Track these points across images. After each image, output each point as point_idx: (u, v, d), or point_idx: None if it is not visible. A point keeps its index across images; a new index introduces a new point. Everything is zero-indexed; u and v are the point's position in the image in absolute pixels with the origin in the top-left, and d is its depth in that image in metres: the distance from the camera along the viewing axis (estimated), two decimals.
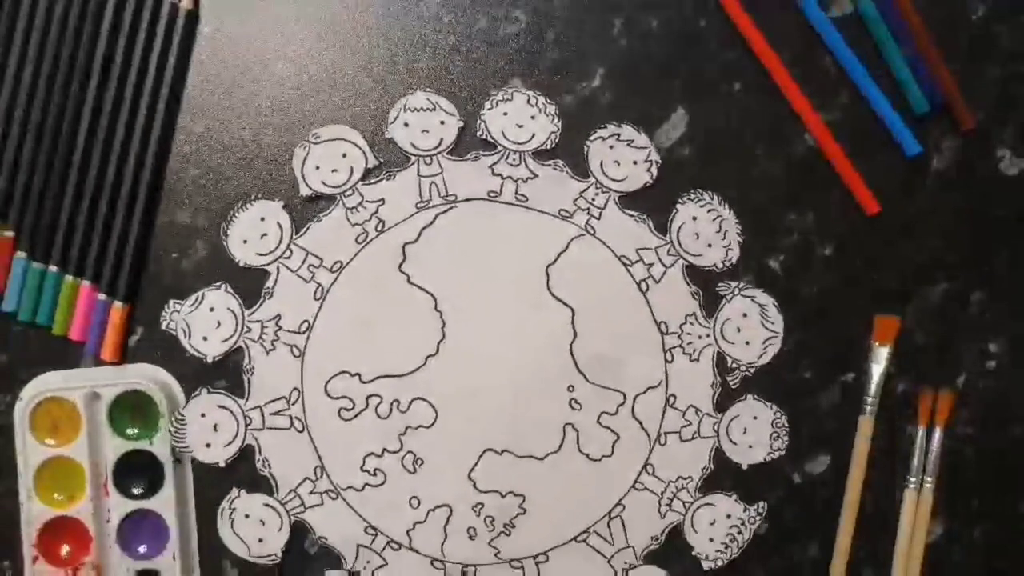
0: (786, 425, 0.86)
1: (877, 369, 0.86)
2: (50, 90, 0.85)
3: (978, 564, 0.87)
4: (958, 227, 0.86)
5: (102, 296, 0.85)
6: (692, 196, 0.86)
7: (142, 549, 0.85)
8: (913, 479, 0.85)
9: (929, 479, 0.85)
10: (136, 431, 0.85)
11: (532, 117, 0.86)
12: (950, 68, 0.85)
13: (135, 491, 0.85)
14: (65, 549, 0.85)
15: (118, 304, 0.85)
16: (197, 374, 0.86)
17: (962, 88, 0.85)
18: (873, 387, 0.86)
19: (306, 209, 0.87)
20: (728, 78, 0.87)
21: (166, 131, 0.86)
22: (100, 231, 0.85)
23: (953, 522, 0.86)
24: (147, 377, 0.85)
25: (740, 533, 0.86)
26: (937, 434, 0.85)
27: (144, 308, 0.86)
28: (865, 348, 0.86)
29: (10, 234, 0.86)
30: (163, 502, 0.84)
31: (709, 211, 0.86)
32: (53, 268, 0.86)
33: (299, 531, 0.86)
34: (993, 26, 0.86)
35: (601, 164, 0.86)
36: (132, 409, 0.85)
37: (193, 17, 0.86)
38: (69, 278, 0.85)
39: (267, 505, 0.86)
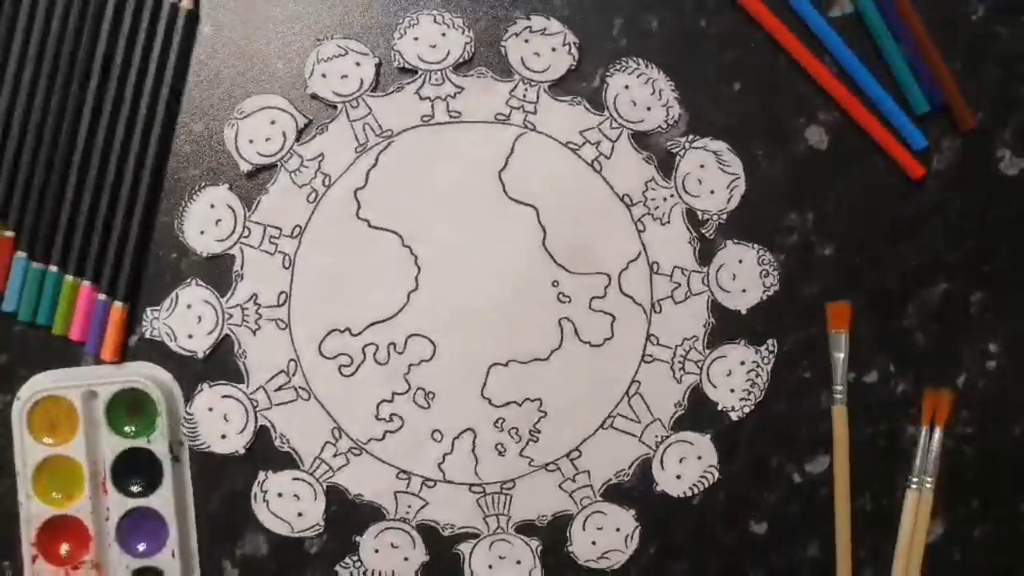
0: (772, 260, 0.86)
1: (839, 356, 0.86)
2: (50, 90, 0.85)
3: (978, 564, 0.86)
4: (958, 227, 0.86)
5: (102, 296, 0.85)
6: (619, 66, 0.86)
7: (141, 547, 0.85)
8: (913, 479, 0.85)
9: (929, 479, 0.85)
10: (134, 429, 0.85)
11: (443, 34, 0.86)
12: (950, 68, 0.85)
13: (134, 489, 0.85)
14: (64, 548, 0.85)
15: (118, 304, 0.85)
16: (196, 373, 0.86)
17: (962, 88, 0.85)
18: (839, 376, 0.86)
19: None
20: (728, 78, 0.86)
21: (166, 131, 0.86)
22: (100, 231, 0.85)
23: (953, 522, 0.86)
24: (144, 375, 0.85)
25: (758, 376, 0.86)
26: (937, 434, 0.85)
27: (144, 308, 0.87)
28: (861, 348, 0.86)
29: (10, 234, 0.86)
30: (162, 500, 0.84)
31: (639, 76, 0.86)
32: (53, 268, 0.86)
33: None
34: (993, 26, 0.86)
35: (522, 59, 0.87)
36: (129, 407, 0.85)
37: (193, 17, 0.86)
38: (69, 278, 0.86)
39: (297, 479, 0.86)
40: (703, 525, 0.87)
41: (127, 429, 0.85)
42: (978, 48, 0.86)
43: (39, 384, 0.85)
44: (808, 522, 0.86)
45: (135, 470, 0.85)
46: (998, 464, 0.86)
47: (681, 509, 0.87)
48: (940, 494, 0.85)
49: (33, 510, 0.84)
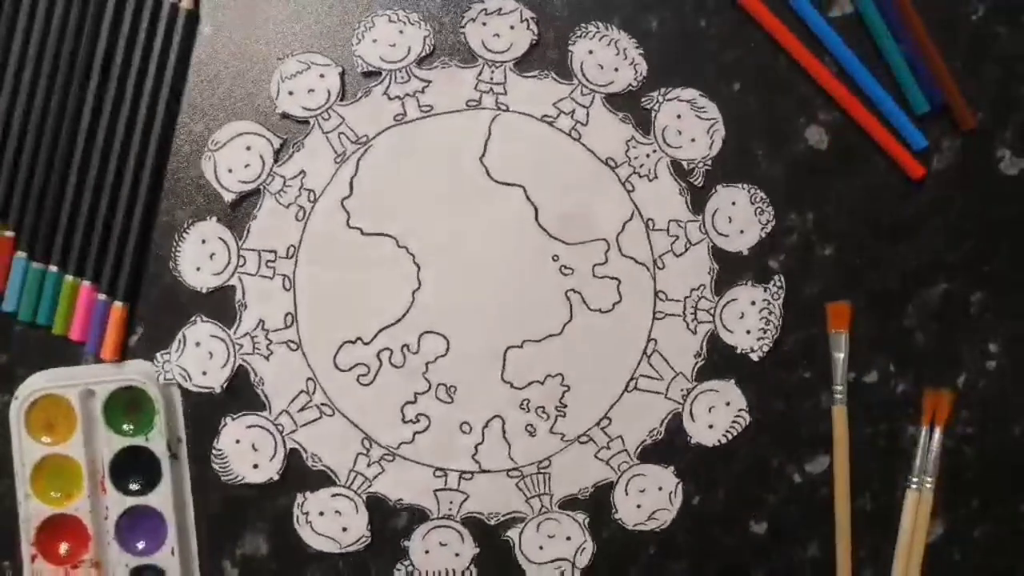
0: (764, 196, 0.86)
1: (839, 356, 0.86)
2: (50, 90, 0.85)
3: (978, 564, 0.86)
4: (958, 227, 0.86)
5: (102, 296, 0.85)
6: (579, 32, 0.86)
7: (140, 545, 0.86)
8: (913, 479, 0.85)
9: (929, 479, 0.85)
10: (132, 427, 0.85)
11: (400, 32, 0.86)
12: (950, 68, 0.85)
13: (132, 487, 0.85)
14: (64, 547, 0.86)
15: (118, 304, 0.85)
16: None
17: (962, 88, 0.85)
18: (839, 376, 0.86)
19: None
20: (728, 78, 0.86)
21: (166, 131, 0.86)
22: (100, 231, 0.85)
23: (953, 522, 0.86)
24: (142, 373, 0.85)
25: (771, 313, 0.86)
26: (937, 434, 0.85)
27: (144, 308, 0.87)
28: (861, 348, 0.86)
29: (10, 234, 0.86)
30: (160, 498, 0.84)
31: (601, 39, 0.86)
32: (53, 268, 0.86)
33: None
34: (993, 26, 0.86)
35: (483, 42, 0.86)
36: (127, 406, 0.85)
37: (193, 17, 0.86)
38: (69, 278, 0.86)
39: (336, 495, 0.86)
40: (703, 525, 0.87)
41: (125, 427, 0.85)
42: (978, 48, 0.86)
43: (37, 383, 0.85)
44: (808, 522, 0.86)
45: (134, 468, 0.85)
46: (998, 464, 0.86)
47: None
48: (940, 494, 0.85)
49: (32, 509, 0.85)
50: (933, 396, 0.86)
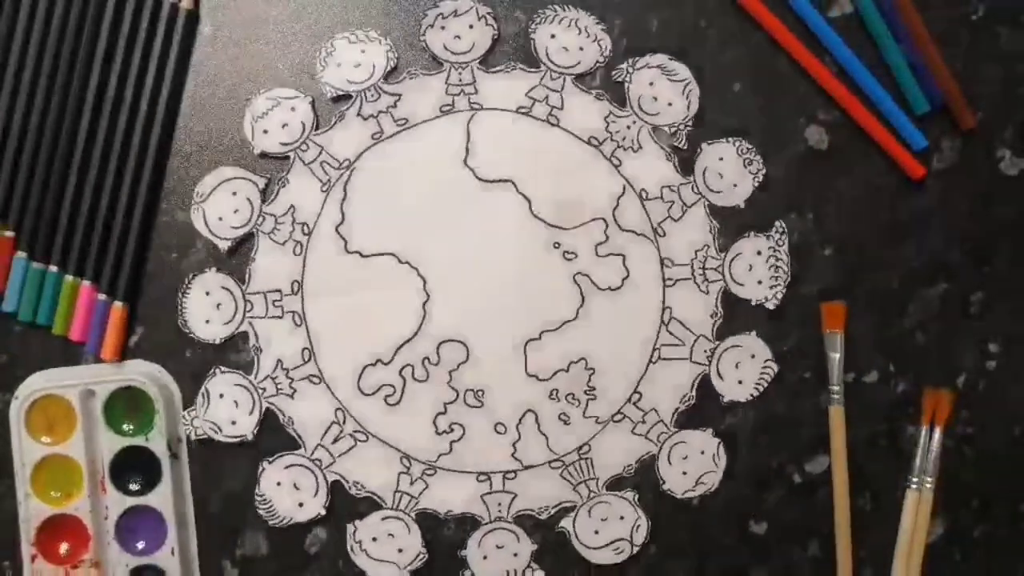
0: (751, 147, 0.86)
1: (835, 357, 0.85)
2: (50, 90, 0.85)
3: (978, 564, 0.86)
4: (958, 227, 0.86)
5: (102, 296, 0.86)
6: (539, 18, 0.87)
7: (140, 545, 0.86)
8: (913, 479, 0.85)
9: (929, 479, 0.85)
10: (132, 427, 0.85)
11: (362, 51, 0.87)
12: (950, 68, 0.85)
13: (132, 487, 0.85)
14: (64, 547, 0.86)
15: (118, 304, 0.85)
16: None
17: (962, 88, 0.85)
18: (835, 376, 0.85)
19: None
20: (728, 78, 0.86)
21: (166, 131, 0.86)
22: (100, 231, 0.85)
23: (953, 522, 0.86)
24: (141, 373, 0.85)
25: (778, 259, 0.86)
26: (937, 434, 0.85)
27: (144, 308, 0.87)
28: (861, 348, 0.86)
29: (10, 234, 0.86)
30: (160, 498, 0.84)
31: (561, 21, 0.87)
32: (53, 268, 0.86)
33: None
34: (993, 26, 0.86)
35: (445, 46, 0.87)
36: (127, 405, 0.85)
37: (193, 17, 0.87)
38: (69, 278, 0.86)
39: (386, 519, 0.86)
40: (703, 525, 0.87)
41: (125, 427, 0.85)
42: (978, 48, 0.86)
43: (37, 383, 0.85)
44: (808, 522, 0.86)
45: (134, 468, 0.85)
46: (998, 464, 0.86)
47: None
48: (940, 494, 0.85)
49: (32, 509, 0.85)
50: (933, 396, 0.85)
